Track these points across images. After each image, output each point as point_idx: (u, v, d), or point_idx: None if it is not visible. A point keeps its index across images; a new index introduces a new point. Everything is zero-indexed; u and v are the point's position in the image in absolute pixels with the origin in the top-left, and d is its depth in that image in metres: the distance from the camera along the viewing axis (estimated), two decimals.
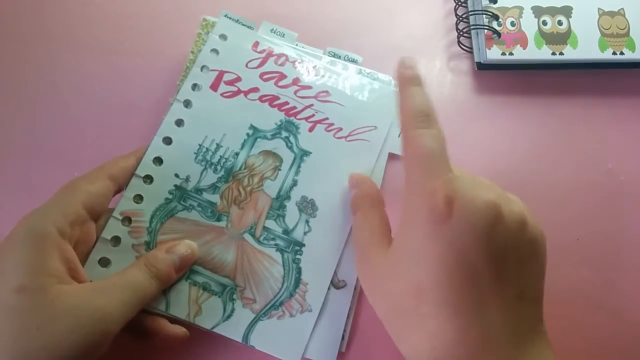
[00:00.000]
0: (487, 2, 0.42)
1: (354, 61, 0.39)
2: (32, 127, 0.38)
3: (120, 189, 0.32)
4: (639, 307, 0.36)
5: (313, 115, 0.36)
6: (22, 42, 0.40)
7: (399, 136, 0.38)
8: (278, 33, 0.39)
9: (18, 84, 0.39)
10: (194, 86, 0.35)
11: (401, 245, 0.26)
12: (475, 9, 0.42)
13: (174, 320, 0.31)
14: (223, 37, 0.37)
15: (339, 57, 0.39)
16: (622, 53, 0.41)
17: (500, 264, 0.23)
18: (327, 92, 0.36)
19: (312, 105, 0.36)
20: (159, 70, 0.40)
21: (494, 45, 0.40)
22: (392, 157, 0.37)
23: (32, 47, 0.40)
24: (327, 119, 0.36)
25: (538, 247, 0.25)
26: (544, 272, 0.26)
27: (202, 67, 0.36)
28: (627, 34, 0.41)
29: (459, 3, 0.43)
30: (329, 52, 0.39)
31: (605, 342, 0.35)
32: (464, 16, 0.42)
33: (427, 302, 0.24)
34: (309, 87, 0.36)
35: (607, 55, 0.41)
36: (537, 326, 0.25)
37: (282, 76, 0.36)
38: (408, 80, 0.29)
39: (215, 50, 0.36)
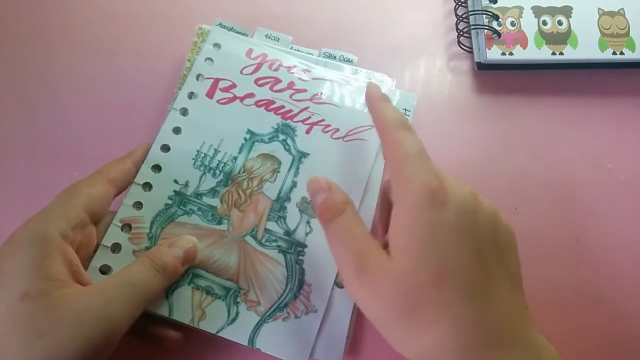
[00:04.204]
0: (487, 2, 0.42)
1: (349, 61, 0.39)
2: (32, 127, 0.38)
3: (119, 191, 0.32)
4: (639, 307, 0.36)
5: (309, 118, 0.36)
6: (22, 42, 0.40)
7: None
8: (273, 38, 0.39)
9: (18, 84, 0.39)
10: (190, 94, 0.35)
11: (408, 240, 0.25)
12: (475, 9, 0.42)
13: (178, 326, 0.31)
14: (217, 45, 0.37)
15: (334, 58, 0.39)
16: (622, 53, 0.41)
17: (492, 247, 0.25)
18: (322, 93, 0.37)
19: (307, 107, 0.36)
20: (159, 71, 0.40)
21: (494, 45, 0.40)
22: None
23: (32, 47, 0.40)
24: (323, 120, 0.36)
25: (511, 236, 0.27)
26: (520, 261, 0.27)
27: (198, 76, 0.36)
28: (627, 34, 0.41)
29: (459, 3, 0.43)
30: (324, 53, 0.39)
31: (605, 342, 0.35)
32: (464, 16, 0.42)
33: (449, 287, 0.24)
34: (304, 90, 0.36)
35: (607, 55, 0.41)
36: (527, 311, 0.26)
37: (277, 81, 0.36)
38: (381, 97, 0.31)
39: (209, 59, 0.36)
